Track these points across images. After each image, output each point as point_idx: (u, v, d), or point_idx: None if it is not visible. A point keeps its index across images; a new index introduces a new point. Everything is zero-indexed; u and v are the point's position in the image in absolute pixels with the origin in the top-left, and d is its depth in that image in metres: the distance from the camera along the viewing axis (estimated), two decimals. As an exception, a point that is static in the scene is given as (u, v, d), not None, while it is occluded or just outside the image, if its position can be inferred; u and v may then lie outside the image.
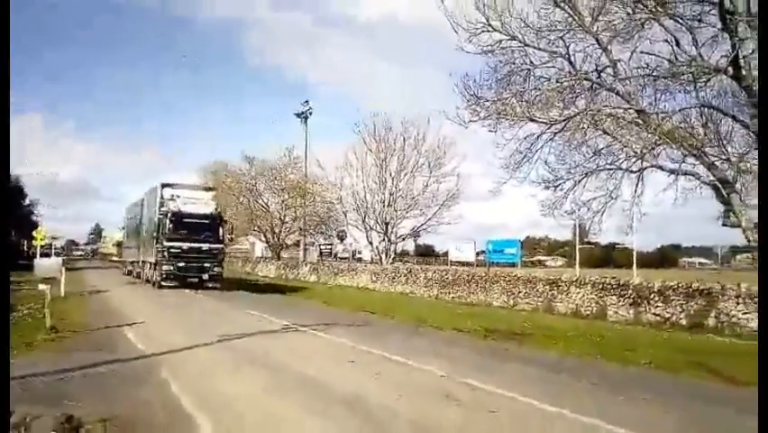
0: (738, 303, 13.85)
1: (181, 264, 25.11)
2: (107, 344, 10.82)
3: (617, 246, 54.44)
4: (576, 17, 13.18)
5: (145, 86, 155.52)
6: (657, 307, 15.70)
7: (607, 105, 13.98)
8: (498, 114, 14.27)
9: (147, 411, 6.39)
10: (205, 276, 25.51)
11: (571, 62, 13.87)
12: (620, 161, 14.75)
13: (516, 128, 14.55)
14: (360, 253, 50.59)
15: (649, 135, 13.39)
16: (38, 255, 39.75)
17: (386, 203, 36.85)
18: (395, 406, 6.84)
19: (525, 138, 14.68)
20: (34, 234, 43.07)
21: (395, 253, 39.80)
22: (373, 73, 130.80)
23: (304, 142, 45.12)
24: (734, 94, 13.65)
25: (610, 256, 55.83)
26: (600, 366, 10.03)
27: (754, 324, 12.41)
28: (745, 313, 13.52)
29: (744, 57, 11.84)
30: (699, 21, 12.43)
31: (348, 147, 38.56)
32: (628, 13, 12.54)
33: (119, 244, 64.03)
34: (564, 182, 15.03)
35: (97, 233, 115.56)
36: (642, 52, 13.37)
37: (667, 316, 15.36)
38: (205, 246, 25.58)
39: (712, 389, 8.41)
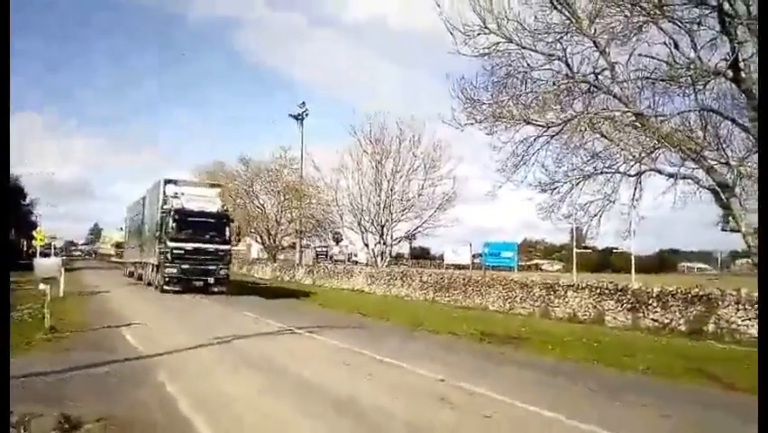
0: (738, 309, 13.72)
1: (185, 267, 23.36)
2: (105, 344, 10.74)
3: (614, 250, 54.47)
4: (573, 20, 13.09)
5: (138, 84, 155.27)
6: (656, 312, 15.56)
7: (604, 109, 13.89)
8: (495, 117, 14.18)
9: (145, 412, 6.33)
10: (211, 279, 23.84)
11: (568, 65, 13.77)
12: (618, 164, 14.70)
13: (512, 131, 14.47)
14: (355, 255, 50.52)
15: (647, 139, 13.29)
16: (37, 255, 39.55)
17: (381, 205, 36.72)
18: (389, 408, 6.70)
19: (521, 141, 14.61)
20: (34, 234, 42.92)
21: (390, 256, 39.65)
22: (369, 75, 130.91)
23: (300, 144, 44.94)
24: (733, 97, 13.59)
25: (608, 260, 55.90)
26: (598, 372, 9.89)
27: (755, 330, 12.29)
28: (746, 319, 13.38)
29: (743, 60, 11.76)
30: (698, 24, 12.32)
31: (344, 149, 38.46)
32: (626, 16, 12.42)
33: (117, 245, 64.03)
34: (562, 185, 14.97)
35: (96, 233, 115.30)
36: (640, 55, 13.30)
37: (666, 321, 15.23)
38: (210, 247, 23.85)
39: (711, 395, 8.27)
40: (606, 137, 14.24)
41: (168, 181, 25.28)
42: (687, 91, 13.39)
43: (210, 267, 23.75)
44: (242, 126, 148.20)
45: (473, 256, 40.51)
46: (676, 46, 12.80)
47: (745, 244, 12.90)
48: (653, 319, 15.56)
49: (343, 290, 30.84)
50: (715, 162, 13.62)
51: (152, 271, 26.13)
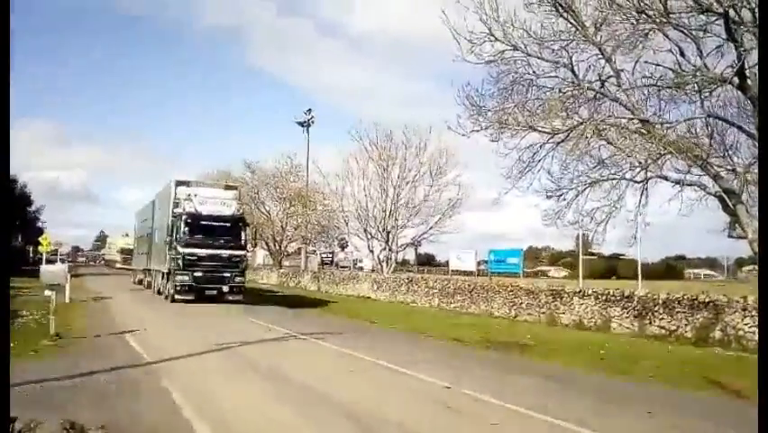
0: (745, 316, 13.65)
1: (198, 274, 21.83)
2: (110, 351, 10.83)
3: (620, 257, 54.28)
4: (579, 27, 13.12)
5: (145, 90, 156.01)
6: (662, 319, 15.50)
7: (610, 116, 13.89)
8: (501, 123, 14.19)
9: (148, 418, 6.38)
10: (226, 288, 22.28)
11: (574, 72, 13.80)
12: (624, 171, 14.64)
13: (518, 138, 14.47)
14: (361, 261, 50.47)
15: (653, 146, 13.26)
16: (43, 261, 39.70)
17: (387, 212, 36.73)
18: (393, 416, 6.71)
19: (527, 147, 14.60)
20: (40, 240, 43.06)
21: (396, 262, 39.63)
22: (374, 81, 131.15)
23: (306, 150, 45.07)
24: (739, 104, 13.58)
25: (614, 267, 55.65)
26: (604, 379, 9.87)
27: (761, 337, 12.20)
28: (752, 326, 13.31)
29: (749, 67, 11.76)
30: (704, 31, 12.33)
31: (350, 155, 38.50)
32: (632, 24, 12.44)
33: (123, 251, 64.17)
34: (567, 192, 14.93)
35: (102, 240, 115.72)
36: (646, 62, 13.30)
37: (672, 328, 15.16)
38: (225, 253, 22.38)
39: (717, 403, 8.26)
40: (612, 144, 14.22)
41: (179, 183, 23.76)
42: (693, 98, 13.41)
43: (225, 274, 22.32)
44: (249, 133, 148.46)
45: (479, 263, 40.41)
46: (682, 53, 12.82)
47: (751, 251, 12.86)
48: (659, 326, 15.50)
49: (350, 297, 30.85)
50: (721, 169, 13.60)
51: (162, 278, 24.78)
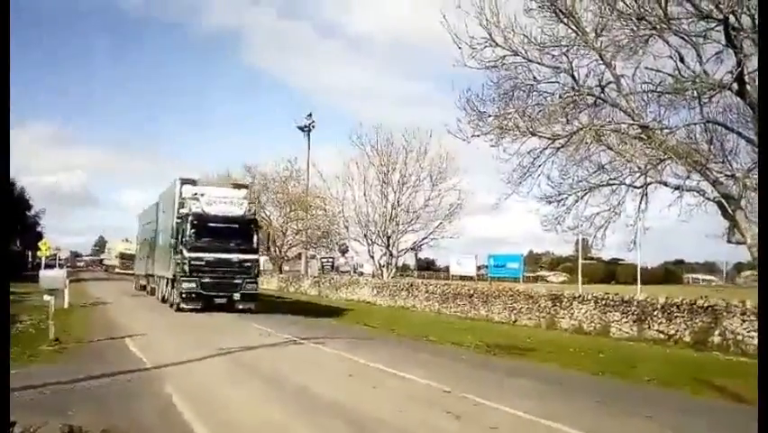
0: (744, 321, 13.68)
1: (205, 280, 20.10)
2: (109, 355, 10.83)
3: (620, 262, 54.31)
4: (579, 33, 13.18)
5: (145, 91, 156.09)
6: (661, 324, 15.53)
7: (610, 121, 13.94)
8: (501, 129, 14.23)
9: (148, 422, 6.37)
10: (236, 295, 20.48)
11: (574, 78, 13.86)
12: (624, 176, 14.70)
13: (518, 143, 14.51)
14: (361, 266, 50.49)
15: (653, 151, 13.31)
16: (42, 266, 39.63)
17: (388, 216, 36.76)
18: (393, 420, 6.73)
19: (527, 153, 14.64)
20: (39, 245, 43.01)
21: (396, 267, 39.64)
22: (375, 82, 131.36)
23: (306, 155, 45.05)
24: (739, 110, 13.63)
25: (613, 272, 55.64)
26: (603, 383, 9.90)
27: (760, 342, 12.22)
28: (751, 331, 13.33)
29: (749, 73, 11.81)
30: (704, 37, 12.39)
31: (350, 159, 38.57)
32: (632, 30, 12.51)
33: (122, 256, 64.10)
34: (567, 197, 14.97)
35: (101, 244, 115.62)
36: (646, 68, 13.36)
37: (671, 333, 15.19)
38: (235, 257, 20.59)
39: (717, 406, 8.28)
40: (612, 149, 14.27)
41: (184, 181, 21.94)
42: (693, 104, 13.44)
43: (235, 281, 20.52)
44: (249, 134, 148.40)
45: (479, 268, 40.44)
46: (682, 59, 12.87)
47: (750, 256, 12.89)
48: (658, 330, 15.52)
49: (351, 302, 30.85)
50: (720, 175, 13.63)
51: (167, 285, 22.99)
